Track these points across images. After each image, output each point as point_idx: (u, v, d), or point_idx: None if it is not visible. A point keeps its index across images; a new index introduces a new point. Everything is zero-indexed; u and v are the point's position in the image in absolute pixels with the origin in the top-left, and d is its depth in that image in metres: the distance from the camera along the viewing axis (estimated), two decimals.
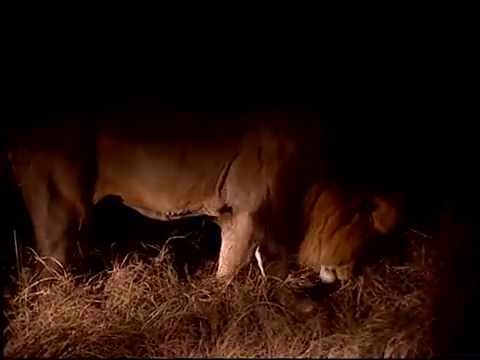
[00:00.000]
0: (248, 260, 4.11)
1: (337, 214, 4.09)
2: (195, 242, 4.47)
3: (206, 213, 4.13)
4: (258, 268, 4.21)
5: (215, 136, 4.00)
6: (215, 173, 4.01)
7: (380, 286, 4.23)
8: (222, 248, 4.16)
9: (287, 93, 4.13)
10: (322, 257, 4.12)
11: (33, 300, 3.76)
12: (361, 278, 4.27)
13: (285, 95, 4.11)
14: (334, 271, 4.29)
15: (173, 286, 3.94)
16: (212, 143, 4.00)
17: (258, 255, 4.19)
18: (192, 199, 4.03)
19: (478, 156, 4.69)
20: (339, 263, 4.15)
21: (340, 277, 4.28)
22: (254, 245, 4.11)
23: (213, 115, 4.01)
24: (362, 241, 4.11)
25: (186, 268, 4.14)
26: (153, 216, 4.12)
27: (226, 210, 4.09)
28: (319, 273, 4.39)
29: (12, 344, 3.45)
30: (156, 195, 4.01)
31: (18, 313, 3.69)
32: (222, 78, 4.34)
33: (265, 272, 4.17)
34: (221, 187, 4.03)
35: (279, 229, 4.10)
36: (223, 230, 4.17)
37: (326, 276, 4.32)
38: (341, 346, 3.57)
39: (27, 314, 3.66)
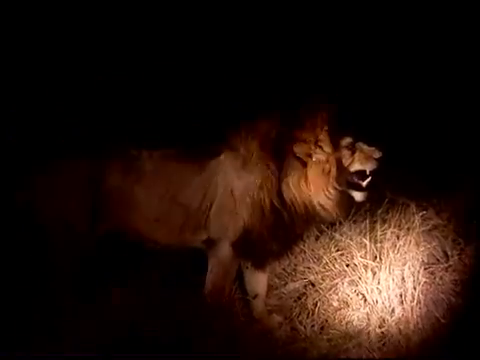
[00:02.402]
0: (229, 282, 4.44)
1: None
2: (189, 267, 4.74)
3: (194, 245, 4.45)
4: (237, 287, 4.59)
5: (197, 181, 4.36)
6: (200, 211, 4.36)
7: (335, 303, 4.63)
8: (208, 272, 4.43)
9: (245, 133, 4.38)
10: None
11: None
12: (319, 297, 4.64)
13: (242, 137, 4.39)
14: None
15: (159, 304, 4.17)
16: (196, 186, 4.37)
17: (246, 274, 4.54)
18: (183, 233, 4.37)
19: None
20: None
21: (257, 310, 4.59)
22: (234, 269, 4.44)
23: (193, 161, 4.38)
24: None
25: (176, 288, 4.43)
26: (153, 246, 4.46)
27: (210, 242, 4.41)
28: (284, 290, 4.76)
29: None
30: (153, 229, 4.38)
31: None
32: (198, 124, 4.95)
33: (248, 292, 4.56)
34: (206, 222, 4.37)
35: (260, 254, 4.44)
36: (208, 257, 4.46)
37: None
38: (302, 354, 4.04)
39: None
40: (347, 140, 4.28)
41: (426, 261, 4.80)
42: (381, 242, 4.84)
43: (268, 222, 4.30)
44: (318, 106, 4.25)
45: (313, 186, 4.22)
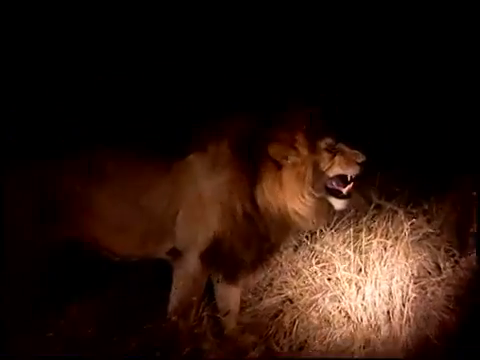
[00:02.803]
0: (196, 297, 4.24)
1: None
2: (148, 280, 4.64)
3: (159, 256, 4.28)
4: (205, 303, 4.41)
5: (163, 183, 4.19)
6: (165, 218, 4.18)
7: (315, 321, 4.47)
8: (172, 285, 4.26)
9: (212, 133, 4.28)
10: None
11: None
12: (297, 314, 4.50)
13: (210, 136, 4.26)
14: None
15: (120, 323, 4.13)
16: (161, 190, 4.18)
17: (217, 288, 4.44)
18: (145, 243, 4.21)
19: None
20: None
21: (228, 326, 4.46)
22: (202, 283, 4.29)
23: (158, 162, 4.22)
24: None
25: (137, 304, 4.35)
26: (111, 258, 4.27)
27: (176, 252, 4.25)
28: (259, 307, 4.62)
29: None
30: (111, 238, 4.19)
31: None
32: (167, 124, 4.69)
33: (219, 309, 4.43)
34: (171, 230, 4.20)
35: (232, 265, 4.28)
36: (174, 269, 4.28)
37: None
38: None
39: None
40: (327, 141, 4.12)
41: (416, 274, 4.70)
42: (366, 253, 4.74)
43: (241, 230, 4.15)
44: (296, 105, 4.14)
45: (287, 191, 4.08)
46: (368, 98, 5.65)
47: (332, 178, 4.13)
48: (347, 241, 4.95)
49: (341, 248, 4.90)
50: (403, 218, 4.99)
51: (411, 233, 4.91)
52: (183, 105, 5.10)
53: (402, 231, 4.86)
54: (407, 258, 4.74)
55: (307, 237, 5.06)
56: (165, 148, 4.26)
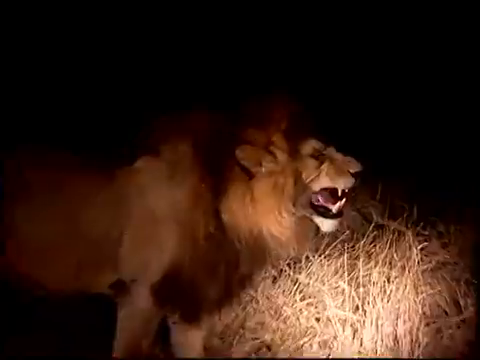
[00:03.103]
0: (147, 341, 4.18)
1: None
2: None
3: (98, 290, 4.18)
4: (160, 349, 4.47)
5: (103, 196, 4.11)
6: (107, 242, 4.07)
7: None
8: (117, 328, 4.18)
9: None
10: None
11: None
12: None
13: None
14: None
15: None
16: (100, 205, 4.09)
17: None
18: (81, 274, 4.12)
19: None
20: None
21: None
22: (154, 325, 4.19)
23: (97, 170, 4.17)
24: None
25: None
26: (36, 292, 4.17)
27: (121, 286, 4.14)
28: (228, 355, 4.60)
29: None
30: (38, 266, 4.09)
31: None
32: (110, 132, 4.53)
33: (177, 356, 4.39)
34: (115, 258, 4.09)
35: (193, 302, 4.22)
36: (118, 306, 4.17)
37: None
38: None
39: None
40: (312, 145, 4.04)
41: (429, 313, 4.71)
42: (365, 286, 4.77)
43: (203, 256, 4.05)
44: (275, 98, 4.07)
45: (260, 207, 3.98)
46: (368, 97, 5.98)
47: (318, 192, 4.03)
48: (340, 271, 4.95)
49: (333, 280, 4.91)
50: (411, 241, 5.01)
51: (422, 261, 4.95)
52: (129, 98, 5.26)
53: (410, 258, 4.89)
54: (417, 293, 4.74)
55: (289, 265, 5.08)
56: (106, 151, 4.19)
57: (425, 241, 5.16)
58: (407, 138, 5.89)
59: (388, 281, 4.80)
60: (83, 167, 4.17)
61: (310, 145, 4.06)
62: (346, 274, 4.89)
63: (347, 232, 5.33)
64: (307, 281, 4.97)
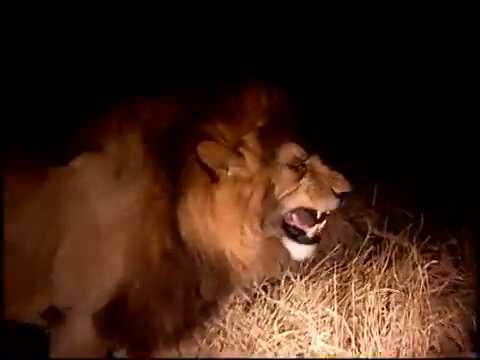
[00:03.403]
0: None
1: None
2: None
3: (27, 320, 4.20)
4: None
5: (31, 203, 4.09)
6: (37, 259, 4.03)
7: None
8: None
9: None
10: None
11: None
12: None
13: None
14: None
15: None
16: (28, 214, 4.08)
17: None
18: (7, 297, 4.06)
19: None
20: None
21: None
22: (97, 358, 4.15)
23: (25, 170, 4.16)
24: None
25: None
26: None
27: (55, 314, 4.10)
28: None
29: None
30: None
31: None
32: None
33: None
34: (46, 280, 4.05)
35: (145, 334, 4.20)
36: (52, 339, 4.15)
37: None
38: None
39: None
40: (292, 151, 4.00)
41: (438, 348, 4.68)
42: (358, 315, 4.78)
43: (157, 278, 4.01)
44: (252, 89, 4.04)
45: (220, 220, 3.95)
46: (365, 92, 6.43)
47: (293, 210, 4.01)
48: (329, 295, 4.97)
49: (319, 306, 4.92)
50: (417, 259, 5.05)
51: (430, 283, 4.97)
52: (67, 83, 5.46)
53: (415, 280, 4.93)
54: (423, 322, 4.77)
55: (266, 289, 5.10)
56: (37, 147, 4.17)
57: (433, 258, 5.19)
58: (408, 134, 6.19)
59: (387, 308, 4.83)
60: (9, 167, 4.12)
61: (289, 151, 4.02)
62: (336, 299, 4.89)
63: (337, 247, 5.36)
64: (287, 308, 4.96)
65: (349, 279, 5.08)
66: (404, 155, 6.03)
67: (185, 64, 5.30)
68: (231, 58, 5.45)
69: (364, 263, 5.27)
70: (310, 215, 4.04)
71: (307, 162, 4.02)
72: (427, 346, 4.68)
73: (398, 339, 4.69)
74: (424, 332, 4.72)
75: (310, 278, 5.17)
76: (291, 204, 4.01)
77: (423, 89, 6.58)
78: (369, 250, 5.35)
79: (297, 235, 4.05)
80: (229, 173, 3.95)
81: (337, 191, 3.97)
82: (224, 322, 4.94)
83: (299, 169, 4.01)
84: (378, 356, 4.62)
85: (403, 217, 5.66)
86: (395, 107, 6.48)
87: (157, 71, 5.08)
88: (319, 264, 5.25)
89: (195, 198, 4.00)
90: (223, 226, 3.98)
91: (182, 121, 4.07)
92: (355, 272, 5.17)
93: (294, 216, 4.03)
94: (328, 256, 5.32)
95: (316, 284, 5.14)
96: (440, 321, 4.86)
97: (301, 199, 4.01)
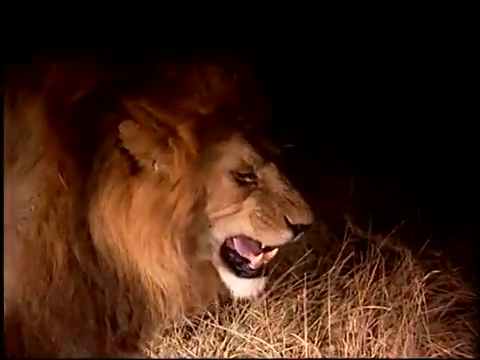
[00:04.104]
0: None
1: None
2: None
3: None
4: None
5: None
6: None
7: None
8: None
9: None
10: None
11: None
12: None
13: None
14: None
15: None
16: None
17: None
18: None
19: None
20: None
21: None
22: None
23: None
24: None
25: None
26: None
27: None
28: None
29: None
30: None
31: None
32: None
33: None
34: None
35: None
36: None
37: None
38: None
39: None
40: (240, 155, 3.70)
41: None
42: (336, 343, 4.76)
43: (60, 296, 3.78)
44: (201, 61, 3.75)
45: (136, 227, 3.71)
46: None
47: (233, 238, 3.78)
48: (296, 318, 4.93)
49: (283, 332, 4.83)
50: (412, 268, 4.98)
51: (430, 300, 4.89)
52: None
53: (410, 296, 4.81)
54: (422, 351, 4.71)
55: (213, 309, 4.99)
56: None
57: (435, 267, 5.04)
58: (413, 136, 6.39)
59: (374, 334, 4.73)
60: None
61: (237, 154, 3.72)
62: (306, 323, 4.76)
63: (307, 253, 5.23)
64: (242, 335, 4.88)
65: (323, 295, 5.02)
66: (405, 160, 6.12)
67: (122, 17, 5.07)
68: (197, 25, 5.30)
69: (343, 274, 5.19)
70: (255, 243, 3.77)
71: (259, 173, 3.71)
72: None
73: None
74: None
75: (271, 295, 5.08)
76: (228, 229, 3.73)
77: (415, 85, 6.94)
78: (350, 257, 5.19)
79: (237, 264, 3.80)
80: (155, 168, 3.69)
81: (291, 221, 3.65)
82: (157, 354, 4.87)
83: (246, 182, 3.70)
84: None
85: (393, 213, 5.58)
86: (376, 98, 6.79)
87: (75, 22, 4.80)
88: (283, 276, 5.12)
89: (110, 195, 3.73)
90: (138, 238, 3.72)
91: (101, 92, 3.74)
92: (331, 286, 5.07)
93: (235, 239, 3.77)
94: (295, 266, 5.19)
95: (279, 302, 5.05)
96: (445, 351, 4.72)
97: (241, 226, 3.71)
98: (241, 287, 3.77)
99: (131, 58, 3.90)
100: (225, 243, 3.75)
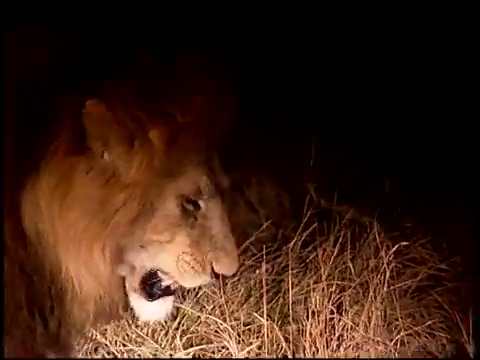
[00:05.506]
0: None
1: None
2: None
3: None
4: None
5: None
6: None
7: None
8: None
9: None
10: None
11: None
12: None
13: None
14: None
15: None
16: None
17: None
18: None
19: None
20: None
21: None
22: None
23: None
24: None
25: None
26: None
27: None
28: None
29: None
30: None
31: None
32: None
33: None
34: None
35: None
36: None
37: None
38: None
39: None
40: (198, 180, 3.70)
41: None
42: (298, 321, 4.57)
43: None
44: (184, 63, 3.67)
45: (68, 219, 3.62)
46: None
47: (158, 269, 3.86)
48: (255, 294, 4.86)
49: (241, 310, 4.76)
50: (379, 240, 4.78)
51: (399, 274, 4.82)
52: None
53: (378, 270, 4.64)
54: (390, 330, 4.56)
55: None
56: None
57: (404, 239, 4.83)
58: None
59: (339, 311, 4.56)
60: None
61: (195, 180, 3.70)
62: (265, 300, 4.49)
63: (266, 224, 5.16)
64: (196, 314, 4.75)
65: (284, 270, 4.93)
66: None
67: None
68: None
69: (305, 247, 5.09)
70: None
71: (203, 205, 3.73)
72: None
73: (355, 355, 4.39)
74: (391, 344, 4.41)
75: (242, 295, 4.94)
76: (156, 261, 3.77)
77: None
78: (312, 229, 5.08)
79: (150, 290, 3.85)
80: (105, 156, 3.58)
81: (217, 270, 3.73)
82: (104, 336, 4.65)
83: (188, 211, 3.71)
84: None
85: (359, 181, 5.50)
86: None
87: None
88: (241, 249, 4.96)
89: (50, 176, 3.62)
90: (69, 230, 3.63)
91: (69, 61, 3.65)
92: (293, 260, 4.91)
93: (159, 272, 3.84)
94: (253, 237, 5.12)
95: (237, 278, 4.93)
96: (415, 328, 4.58)
97: (166, 261, 3.76)
98: (147, 312, 3.80)
99: (105, 41, 3.76)
100: (150, 274, 3.76)
